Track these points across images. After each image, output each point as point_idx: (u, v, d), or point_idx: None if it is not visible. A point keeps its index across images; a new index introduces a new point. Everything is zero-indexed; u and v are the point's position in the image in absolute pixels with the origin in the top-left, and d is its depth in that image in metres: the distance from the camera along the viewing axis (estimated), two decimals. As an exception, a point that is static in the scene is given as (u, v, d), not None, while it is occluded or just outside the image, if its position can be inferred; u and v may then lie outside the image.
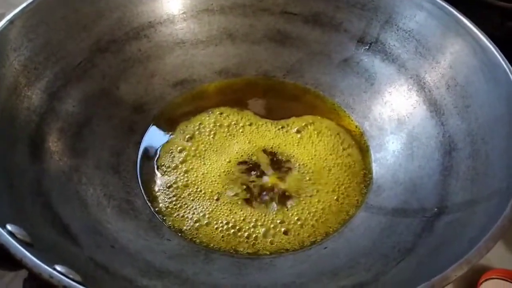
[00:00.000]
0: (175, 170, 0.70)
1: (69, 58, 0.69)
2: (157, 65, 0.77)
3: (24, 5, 0.64)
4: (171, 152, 0.73)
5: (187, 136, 0.75)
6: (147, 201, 0.67)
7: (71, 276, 0.40)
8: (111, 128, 0.70)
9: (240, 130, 0.75)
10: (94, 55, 0.71)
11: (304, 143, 0.74)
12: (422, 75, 0.71)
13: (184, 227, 0.64)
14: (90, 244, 0.55)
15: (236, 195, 0.68)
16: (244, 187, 0.68)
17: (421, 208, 0.61)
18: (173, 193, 0.67)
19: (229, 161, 0.72)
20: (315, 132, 0.75)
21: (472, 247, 0.44)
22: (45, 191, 0.58)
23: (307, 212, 0.66)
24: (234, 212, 0.66)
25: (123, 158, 0.70)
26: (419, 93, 0.71)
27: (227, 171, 0.71)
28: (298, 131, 0.76)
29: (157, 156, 0.72)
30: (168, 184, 0.69)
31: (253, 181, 0.69)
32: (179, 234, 0.63)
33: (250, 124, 0.76)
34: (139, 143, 0.73)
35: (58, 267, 0.41)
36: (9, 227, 0.42)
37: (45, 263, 0.40)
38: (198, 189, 0.68)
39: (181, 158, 0.72)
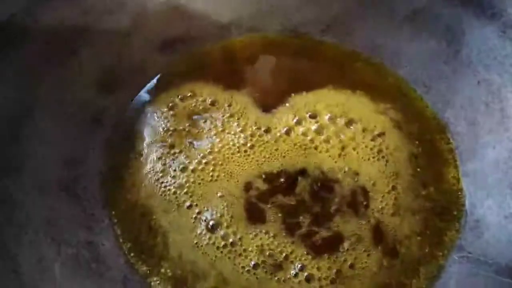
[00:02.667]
0: (165, 183, 0.50)
1: None
2: (135, 16, 0.59)
3: None
4: (159, 156, 0.53)
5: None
6: (121, 242, 0.47)
7: None
8: (64, 120, 0.53)
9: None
10: (36, 3, 0.52)
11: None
12: None
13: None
14: None
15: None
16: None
17: None
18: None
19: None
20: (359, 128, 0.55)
21: None
22: None
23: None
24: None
25: (83, 169, 0.52)
26: None
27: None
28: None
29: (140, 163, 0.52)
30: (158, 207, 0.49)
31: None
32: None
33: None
34: (110, 141, 0.54)
35: None
36: None
37: None
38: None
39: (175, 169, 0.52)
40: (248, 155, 0.51)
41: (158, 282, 0.45)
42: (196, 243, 0.46)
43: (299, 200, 0.49)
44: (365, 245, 0.47)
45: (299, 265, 0.45)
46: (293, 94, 0.57)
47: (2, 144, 0.47)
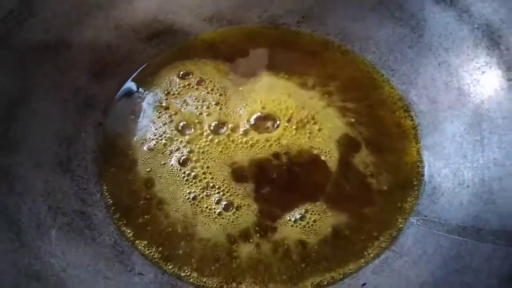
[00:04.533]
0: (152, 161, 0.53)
1: None
2: (122, 10, 0.61)
3: None
4: (152, 135, 0.56)
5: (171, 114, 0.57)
6: (111, 212, 0.50)
7: None
8: (59, 104, 0.55)
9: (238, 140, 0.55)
10: None
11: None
12: (497, 24, 0.53)
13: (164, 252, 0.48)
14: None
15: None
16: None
17: (504, 231, 0.44)
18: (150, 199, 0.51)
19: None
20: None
21: None
22: None
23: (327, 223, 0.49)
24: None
25: (76, 148, 0.54)
26: (491, 51, 0.54)
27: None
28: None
29: (127, 143, 0.55)
30: (146, 193, 0.51)
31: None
32: (156, 263, 0.46)
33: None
34: (101, 124, 0.57)
35: None
36: None
37: None
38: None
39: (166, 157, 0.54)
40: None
41: (144, 244, 0.48)
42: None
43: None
44: (329, 208, 0.50)
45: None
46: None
47: (2, 124, 0.49)
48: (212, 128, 0.55)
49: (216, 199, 0.50)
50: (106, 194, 0.51)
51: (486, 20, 0.54)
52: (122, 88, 0.59)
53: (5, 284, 0.39)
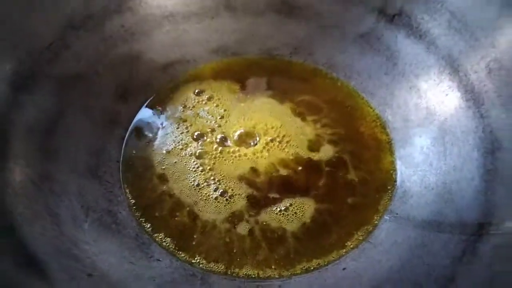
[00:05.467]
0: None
1: (35, 39, 0.60)
2: (143, 44, 0.69)
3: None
4: (167, 149, 0.64)
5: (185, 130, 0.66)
6: (133, 211, 0.57)
7: None
8: (90, 121, 0.63)
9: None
10: (67, 34, 0.62)
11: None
12: (456, 55, 0.62)
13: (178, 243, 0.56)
14: (61, 276, 0.45)
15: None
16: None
17: (460, 223, 0.52)
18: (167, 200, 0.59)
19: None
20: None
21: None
22: (6, 210, 0.47)
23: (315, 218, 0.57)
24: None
25: (104, 158, 0.61)
26: (453, 77, 0.62)
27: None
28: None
29: (146, 154, 0.64)
30: (160, 189, 0.60)
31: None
32: (171, 252, 0.54)
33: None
34: (124, 138, 0.64)
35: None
36: None
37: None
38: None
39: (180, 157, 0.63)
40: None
41: (161, 237, 0.56)
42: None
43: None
44: (315, 209, 0.58)
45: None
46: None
47: (43, 138, 0.56)
48: (218, 139, 0.64)
49: (215, 188, 0.60)
50: (129, 196, 0.59)
51: (449, 51, 0.62)
52: (141, 109, 0.67)
53: (51, 262, 0.47)
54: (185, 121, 0.66)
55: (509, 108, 0.55)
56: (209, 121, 0.66)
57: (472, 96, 0.59)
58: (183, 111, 0.68)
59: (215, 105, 0.68)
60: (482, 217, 0.50)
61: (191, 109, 0.68)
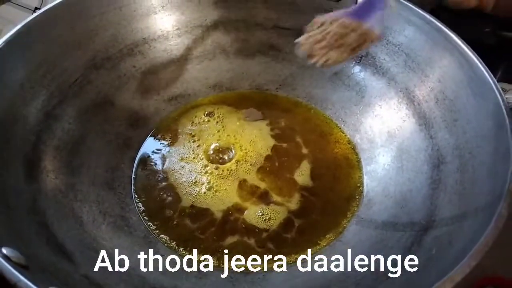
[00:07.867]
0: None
1: (64, 75, 0.70)
2: (151, 81, 0.80)
3: (20, 25, 0.65)
4: (170, 167, 0.74)
5: (183, 153, 0.76)
6: (142, 217, 0.67)
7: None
8: (106, 144, 0.72)
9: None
10: (90, 72, 0.73)
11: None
12: (412, 88, 0.72)
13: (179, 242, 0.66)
14: (85, 262, 0.56)
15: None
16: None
17: (410, 222, 0.62)
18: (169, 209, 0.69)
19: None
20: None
21: (457, 263, 0.45)
22: (41, 210, 0.59)
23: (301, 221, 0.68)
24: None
25: (118, 174, 0.72)
26: (409, 106, 0.72)
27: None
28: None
29: (153, 171, 0.74)
30: (165, 199, 0.71)
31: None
32: (173, 250, 0.64)
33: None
34: (134, 158, 0.75)
35: (52, 289, 0.42)
36: (4, 250, 0.43)
37: (40, 285, 0.41)
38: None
39: (184, 172, 0.74)
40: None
41: (165, 239, 0.66)
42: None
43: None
44: (294, 214, 0.68)
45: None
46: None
47: (69, 156, 0.66)
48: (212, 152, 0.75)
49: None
50: (139, 205, 0.68)
51: (405, 85, 0.72)
52: (149, 135, 0.77)
53: (75, 251, 0.57)
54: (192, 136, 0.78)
55: (451, 130, 0.65)
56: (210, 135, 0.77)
57: (424, 121, 0.69)
58: (187, 131, 0.79)
59: (215, 122, 0.80)
60: (427, 217, 0.60)
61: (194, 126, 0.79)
